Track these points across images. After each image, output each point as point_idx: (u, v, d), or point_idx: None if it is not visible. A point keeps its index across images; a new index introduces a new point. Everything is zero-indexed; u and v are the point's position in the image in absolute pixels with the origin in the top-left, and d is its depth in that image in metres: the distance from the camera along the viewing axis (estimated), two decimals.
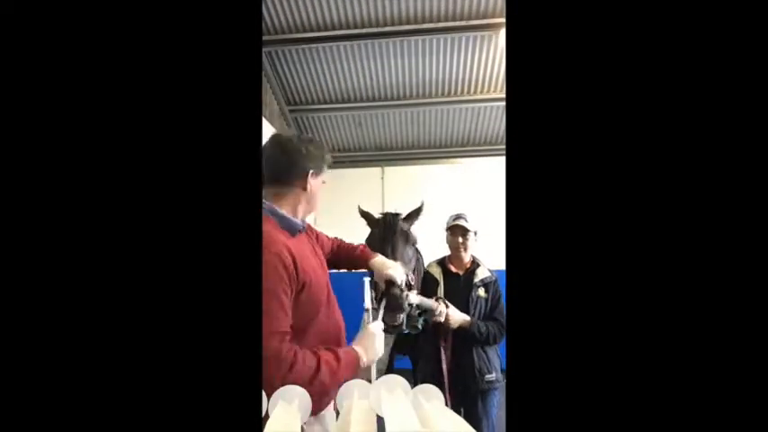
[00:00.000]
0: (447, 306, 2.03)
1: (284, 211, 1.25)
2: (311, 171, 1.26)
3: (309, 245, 1.34)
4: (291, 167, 1.25)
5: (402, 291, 1.60)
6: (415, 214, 2.28)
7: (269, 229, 1.16)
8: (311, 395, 0.76)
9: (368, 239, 2.13)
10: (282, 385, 0.75)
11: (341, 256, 1.62)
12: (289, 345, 1.08)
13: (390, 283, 1.56)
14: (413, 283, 1.86)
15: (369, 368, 1.22)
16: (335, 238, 1.66)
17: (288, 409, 0.72)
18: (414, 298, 1.78)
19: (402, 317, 1.66)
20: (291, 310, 1.12)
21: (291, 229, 1.25)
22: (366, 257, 1.62)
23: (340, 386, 0.82)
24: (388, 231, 2.03)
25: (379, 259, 1.62)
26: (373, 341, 1.24)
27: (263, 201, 1.24)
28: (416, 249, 2.14)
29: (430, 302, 1.94)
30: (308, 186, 1.27)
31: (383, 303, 1.54)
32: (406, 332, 1.80)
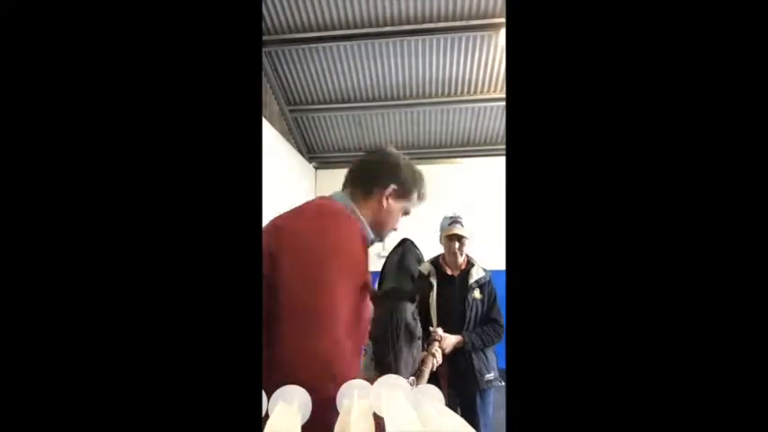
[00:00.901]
0: (441, 339, 1.93)
1: (363, 217, 1.22)
2: (393, 187, 1.22)
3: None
4: (379, 175, 1.22)
5: None
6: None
7: (354, 227, 1.15)
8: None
9: (371, 331, 1.72)
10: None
11: None
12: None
13: None
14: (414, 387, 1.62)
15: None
16: None
17: (288, 409, 0.72)
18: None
19: None
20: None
21: (367, 235, 1.21)
22: None
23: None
24: (393, 324, 1.63)
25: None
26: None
27: (348, 200, 1.22)
28: (419, 342, 1.76)
29: (429, 367, 1.79)
30: (385, 203, 1.22)
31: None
32: None
